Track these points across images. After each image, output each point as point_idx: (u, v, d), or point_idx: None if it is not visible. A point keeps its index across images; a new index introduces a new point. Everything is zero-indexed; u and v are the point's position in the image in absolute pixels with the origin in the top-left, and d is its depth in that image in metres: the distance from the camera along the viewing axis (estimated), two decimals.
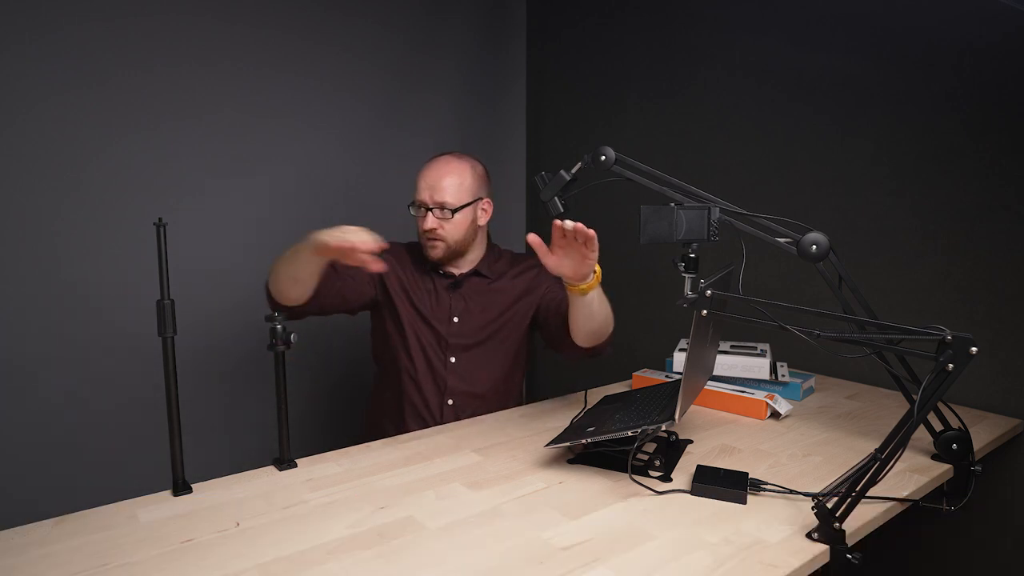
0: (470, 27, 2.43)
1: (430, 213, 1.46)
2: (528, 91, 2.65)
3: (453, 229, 1.48)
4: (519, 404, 1.60)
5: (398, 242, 1.62)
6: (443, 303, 1.54)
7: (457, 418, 1.49)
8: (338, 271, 1.46)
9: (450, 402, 1.52)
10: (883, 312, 1.49)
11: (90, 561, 0.88)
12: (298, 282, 1.36)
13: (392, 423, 1.57)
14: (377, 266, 1.24)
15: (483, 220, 1.55)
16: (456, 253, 1.52)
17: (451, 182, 1.46)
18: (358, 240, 1.20)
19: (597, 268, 1.28)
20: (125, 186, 1.79)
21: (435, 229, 1.47)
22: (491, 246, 1.62)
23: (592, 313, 1.34)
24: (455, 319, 1.53)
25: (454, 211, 1.47)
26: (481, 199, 1.53)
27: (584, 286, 1.29)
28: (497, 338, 1.54)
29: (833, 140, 1.72)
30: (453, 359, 1.52)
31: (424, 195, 1.47)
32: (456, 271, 1.56)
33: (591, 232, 1.18)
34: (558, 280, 1.45)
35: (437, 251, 1.49)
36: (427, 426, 1.49)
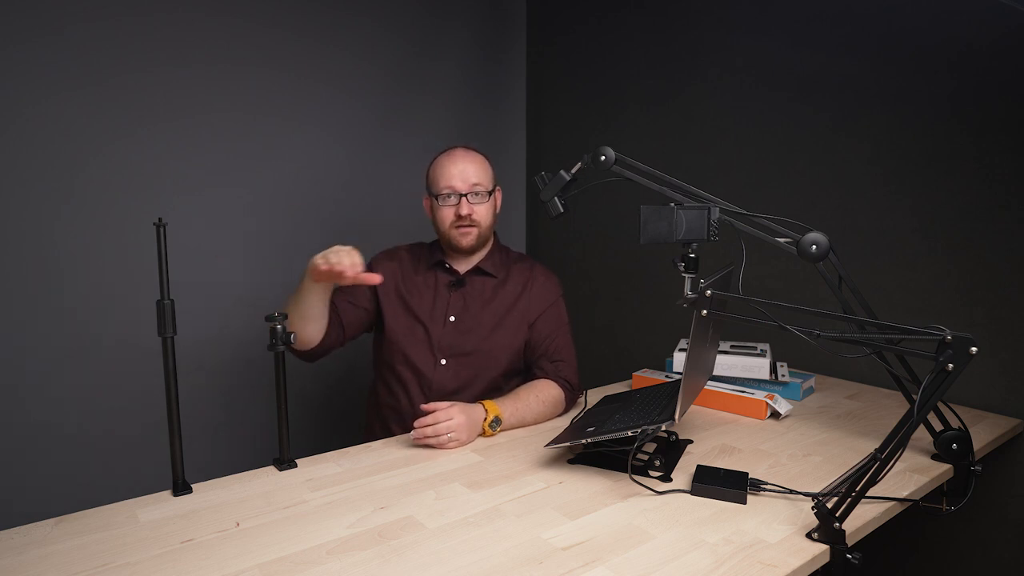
0: (470, 28, 2.43)
1: (464, 199, 1.46)
2: (528, 91, 2.65)
3: (486, 213, 1.50)
4: None
5: (397, 246, 1.62)
6: (441, 302, 1.52)
7: None
8: (336, 305, 1.48)
9: None
10: (883, 312, 1.50)
11: (90, 561, 0.88)
12: (310, 319, 1.38)
13: (380, 423, 1.56)
14: (373, 278, 1.27)
15: (498, 208, 1.58)
16: (484, 240, 1.53)
17: (478, 168, 1.49)
18: (348, 264, 1.23)
19: (485, 421, 1.32)
20: (124, 186, 1.79)
21: (471, 214, 1.47)
22: (499, 244, 1.61)
23: (521, 424, 1.40)
24: (451, 318, 1.51)
25: (489, 193, 1.50)
26: (497, 187, 1.56)
27: (488, 434, 1.34)
28: (493, 340, 1.51)
29: (833, 140, 1.72)
30: (444, 361, 1.50)
31: (455, 182, 1.46)
32: (460, 268, 1.55)
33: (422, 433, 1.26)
34: (550, 314, 1.54)
35: (470, 237, 1.49)
36: (409, 428, 1.49)
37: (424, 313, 1.51)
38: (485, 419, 1.32)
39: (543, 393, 1.44)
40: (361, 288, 1.52)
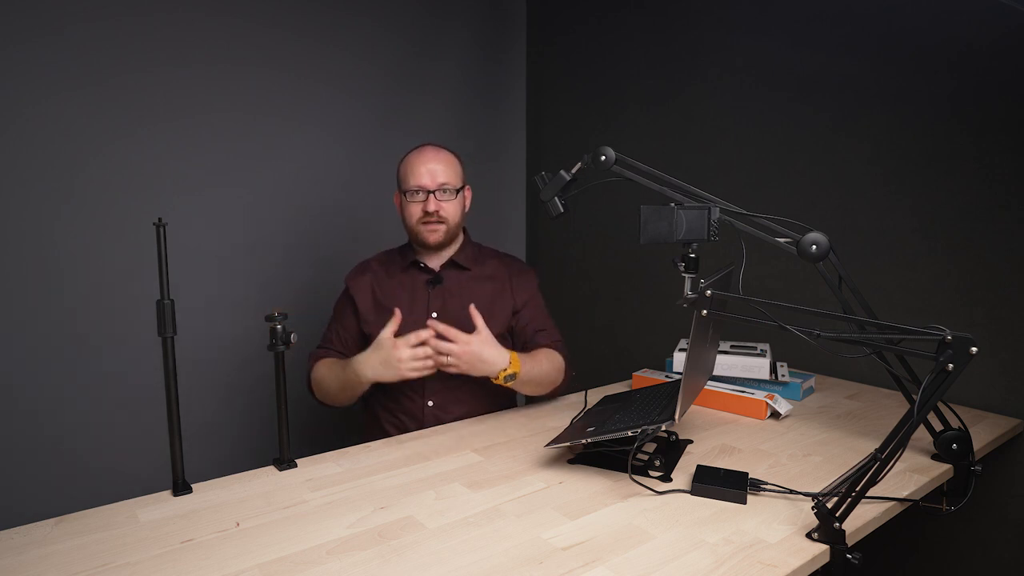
0: (470, 28, 2.43)
1: (432, 196, 1.48)
2: (528, 91, 2.65)
3: (453, 211, 1.52)
4: (511, 401, 1.59)
5: (366, 260, 1.65)
6: (420, 301, 1.54)
7: (439, 420, 1.48)
8: (336, 347, 1.57)
9: (431, 403, 1.51)
10: (883, 312, 1.50)
11: (90, 561, 0.88)
12: (355, 398, 1.50)
13: (376, 427, 1.56)
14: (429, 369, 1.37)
15: (467, 207, 1.60)
16: (452, 237, 1.55)
17: (448, 166, 1.51)
18: (419, 369, 1.34)
19: (503, 372, 1.37)
20: (124, 186, 1.79)
21: (438, 211, 1.49)
22: (470, 239, 1.64)
23: (520, 388, 1.45)
24: (433, 314, 1.52)
25: (457, 191, 1.51)
26: (466, 186, 1.58)
27: (495, 380, 1.39)
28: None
29: (833, 140, 1.72)
30: None
31: (424, 179, 1.48)
32: (434, 265, 1.57)
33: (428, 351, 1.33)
34: (533, 300, 1.58)
35: (438, 234, 1.51)
36: (409, 430, 1.49)
37: (404, 314, 1.51)
38: (505, 370, 1.37)
39: (552, 356, 1.50)
40: (346, 309, 1.58)
